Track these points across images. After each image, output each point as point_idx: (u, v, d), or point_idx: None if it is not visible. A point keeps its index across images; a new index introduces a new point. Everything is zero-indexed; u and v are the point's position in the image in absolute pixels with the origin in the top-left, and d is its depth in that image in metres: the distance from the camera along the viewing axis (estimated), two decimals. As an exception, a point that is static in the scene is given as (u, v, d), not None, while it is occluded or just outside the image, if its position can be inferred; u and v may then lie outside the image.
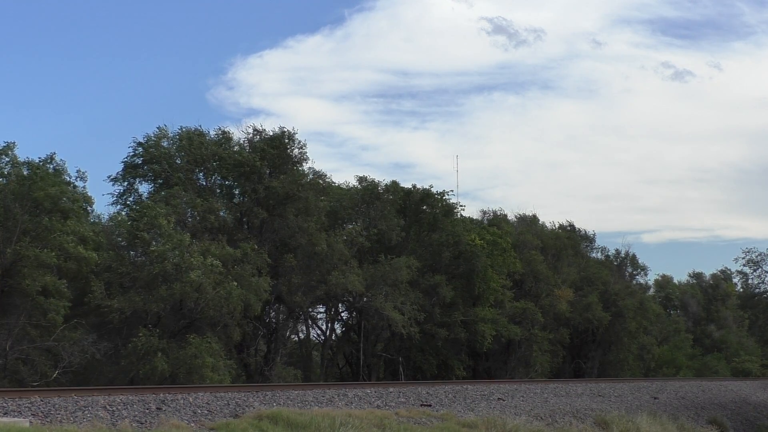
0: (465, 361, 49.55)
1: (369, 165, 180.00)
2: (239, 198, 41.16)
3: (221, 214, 37.95)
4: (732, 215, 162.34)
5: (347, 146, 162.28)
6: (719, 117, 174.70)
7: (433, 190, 48.86)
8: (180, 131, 39.88)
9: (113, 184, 38.85)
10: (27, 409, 17.67)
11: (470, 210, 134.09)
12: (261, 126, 41.56)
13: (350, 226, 44.64)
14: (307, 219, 39.45)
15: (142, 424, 18.33)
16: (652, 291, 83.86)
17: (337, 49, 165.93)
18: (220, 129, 41.89)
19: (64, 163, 33.50)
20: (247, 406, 21.81)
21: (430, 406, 27.09)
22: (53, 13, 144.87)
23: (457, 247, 47.83)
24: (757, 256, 73.93)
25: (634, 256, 76.05)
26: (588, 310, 58.19)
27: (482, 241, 48.85)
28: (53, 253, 29.63)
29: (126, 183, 39.19)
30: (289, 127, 40.76)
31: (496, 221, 59.25)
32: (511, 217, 64.48)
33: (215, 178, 40.92)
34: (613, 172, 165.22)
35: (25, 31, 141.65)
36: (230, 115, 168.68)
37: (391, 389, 28.96)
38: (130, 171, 39.14)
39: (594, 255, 71.37)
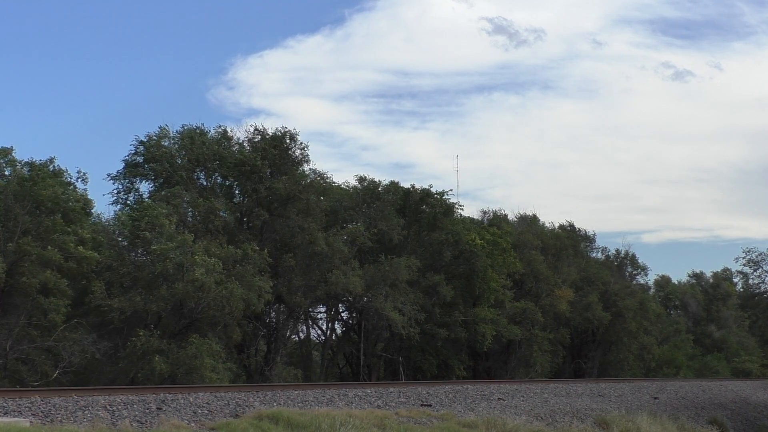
0: (465, 361, 49.56)
1: (369, 165, 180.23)
2: (240, 198, 41.17)
3: (221, 214, 37.94)
4: (732, 215, 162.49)
5: (347, 146, 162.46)
6: (719, 117, 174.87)
7: (433, 189, 48.92)
8: (181, 130, 39.94)
9: (113, 183, 38.95)
10: (27, 409, 17.67)
11: (470, 210, 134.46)
12: (262, 126, 41.65)
13: (350, 226, 44.61)
14: (308, 220, 39.46)
15: (142, 424, 18.33)
16: (652, 291, 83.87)
17: (337, 49, 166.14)
18: (220, 126, 42.00)
19: (66, 170, 33.69)
20: (247, 406, 21.81)
21: (430, 406, 27.08)
22: (53, 13, 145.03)
23: (457, 247, 47.82)
24: (757, 256, 73.91)
25: (633, 256, 76.16)
26: (588, 310, 58.20)
27: (482, 241, 48.84)
28: (55, 250, 29.66)
29: (126, 181, 39.23)
30: (290, 128, 40.89)
31: (496, 221, 59.23)
32: (511, 217, 64.56)
33: (215, 177, 40.93)
34: (613, 172, 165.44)
35: (25, 32, 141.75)
36: (230, 115, 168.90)
37: (391, 389, 28.96)
38: (131, 170, 39.16)
39: (594, 255, 71.41)
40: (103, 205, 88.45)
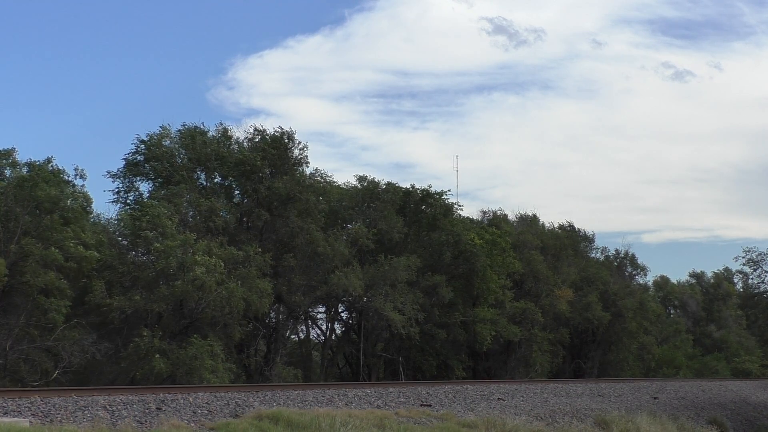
0: (465, 361, 49.54)
1: (369, 165, 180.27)
2: (239, 198, 41.19)
3: (222, 214, 37.96)
4: (732, 215, 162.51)
5: (347, 146, 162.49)
6: (719, 117, 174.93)
7: (433, 190, 48.91)
8: (182, 128, 39.95)
9: (113, 181, 38.97)
10: (27, 409, 17.68)
11: (470, 210, 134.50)
12: (261, 126, 41.67)
13: (350, 226, 44.61)
14: (308, 220, 39.47)
15: (142, 424, 18.33)
16: (651, 291, 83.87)
17: (337, 49, 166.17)
18: (221, 125, 42.01)
19: (64, 170, 33.67)
20: (247, 406, 21.82)
21: (430, 406, 27.09)
22: (53, 13, 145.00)
23: (457, 247, 47.82)
24: (757, 256, 73.98)
25: (633, 256, 76.18)
26: (588, 310, 58.19)
27: (481, 241, 48.83)
28: (57, 251, 29.67)
29: (126, 180, 39.26)
30: (288, 128, 40.92)
31: (496, 221, 59.24)
32: (511, 217, 64.56)
33: (215, 177, 40.93)
34: (613, 172, 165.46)
35: (25, 32, 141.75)
36: (230, 115, 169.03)
37: (391, 389, 28.97)
38: (131, 168, 39.18)
39: (594, 255, 71.44)
40: (103, 204, 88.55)
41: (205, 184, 40.42)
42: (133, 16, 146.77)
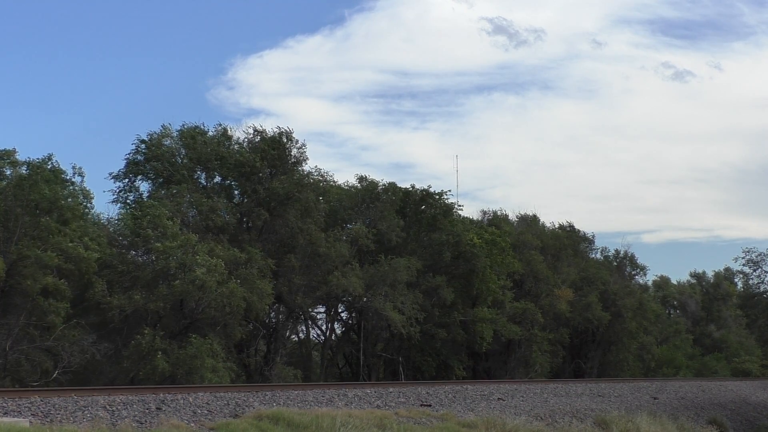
0: (465, 361, 49.51)
1: (369, 165, 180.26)
2: (239, 198, 41.18)
3: (222, 214, 37.95)
4: (732, 215, 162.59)
5: (347, 146, 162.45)
6: (719, 117, 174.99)
7: (432, 190, 48.88)
8: (182, 128, 39.92)
9: (114, 181, 38.97)
10: (27, 409, 17.68)
11: (470, 210, 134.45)
12: (261, 126, 41.66)
13: (350, 226, 44.58)
14: (308, 220, 39.46)
15: (142, 424, 18.34)
16: (651, 291, 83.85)
17: (337, 49, 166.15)
18: (220, 125, 41.99)
19: (63, 172, 33.53)
20: (247, 406, 21.82)
21: (430, 406, 27.09)
22: (53, 13, 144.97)
23: (457, 247, 47.79)
24: (757, 256, 73.93)
25: (633, 256, 76.14)
26: (588, 310, 58.19)
27: (480, 241, 48.81)
28: (54, 254, 29.61)
29: (127, 180, 39.25)
30: (286, 127, 40.91)
31: (496, 221, 59.23)
32: (511, 217, 64.53)
33: (215, 177, 40.92)
34: (613, 172, 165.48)
35: (25, 32, 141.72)
36: (230, 115, 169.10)
37: (391, 389, 28.97)
38: (132, 168, 39.18)
39: (594, 255, 71.42)
40: (103, 204, 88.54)
41: (205, 184, 40.42)
42: (133, 16, 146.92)
